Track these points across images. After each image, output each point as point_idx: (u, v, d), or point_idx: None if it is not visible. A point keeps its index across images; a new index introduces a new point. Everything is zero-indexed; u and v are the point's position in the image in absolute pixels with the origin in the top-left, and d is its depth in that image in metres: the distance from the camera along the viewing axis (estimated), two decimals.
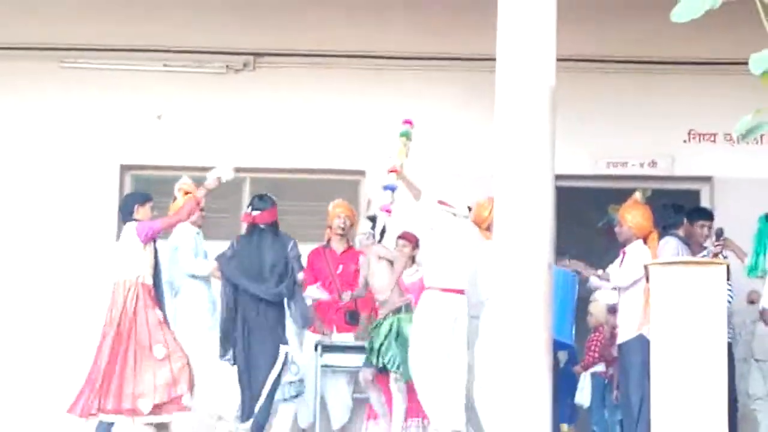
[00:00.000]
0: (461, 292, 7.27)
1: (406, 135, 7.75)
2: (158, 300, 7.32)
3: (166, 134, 9.19)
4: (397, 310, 7.76)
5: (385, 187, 7.79)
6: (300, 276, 7.55)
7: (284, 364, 7.39)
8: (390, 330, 7.62)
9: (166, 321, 7.28)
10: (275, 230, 7.63)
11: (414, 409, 7.78)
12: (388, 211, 7.70)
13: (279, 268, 7.47)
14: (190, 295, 7.87)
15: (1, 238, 9.03)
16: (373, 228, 8.08)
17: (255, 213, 7.60)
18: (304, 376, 7.90)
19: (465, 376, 7.17)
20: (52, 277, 8.89)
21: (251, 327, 7.40)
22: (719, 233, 7.57)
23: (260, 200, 7.72)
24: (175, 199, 7.88)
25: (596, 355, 8.31)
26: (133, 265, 7.27)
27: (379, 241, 8.05)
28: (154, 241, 7.41)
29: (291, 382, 7.75)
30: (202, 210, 7.88)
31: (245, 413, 7.35)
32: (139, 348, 7.13)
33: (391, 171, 7.66)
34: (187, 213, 7.53)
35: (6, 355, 8.80)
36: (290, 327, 7.74)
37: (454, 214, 7.46)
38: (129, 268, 7.27)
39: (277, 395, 7.54)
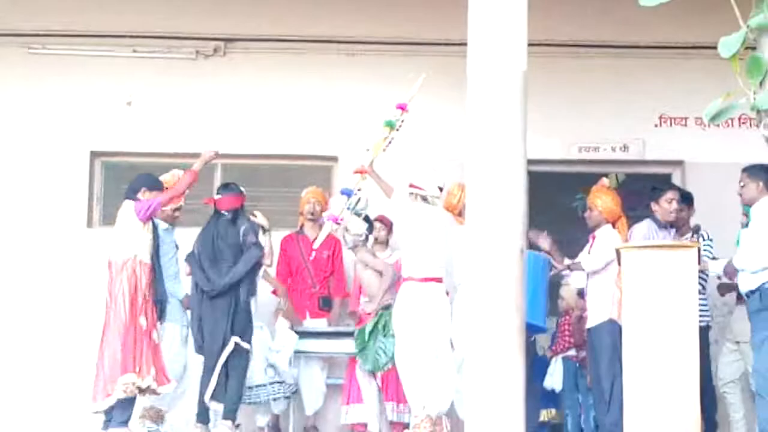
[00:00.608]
0: (439, 280, 7.26)
1: (391, 125, 7.68)
2: (158, 281, 7.26)
3: (136, 121, 9.13)
4: (386, 306, 7.79)
5: (342, 192, 7.73)
6: (251, 259, 7.51)
7: (239, 354, 7.37)
8: (376, 325, 7.71)
9: (156, 304, 7.23)
10: (235, 217, 7.62)
11: (390, 392, 7.82)
12: (335, 220, 7.58)
13: (229, 254, 7.49)
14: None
15: None
16: (368, 230, 8.04)
17: (217, 197, 7.67)
18: (293, 380, 7.88)
19: (452, 362, 7.14)
20: (23, 265, 8.82)
21: (203, 319, 7.43)
22: (696, 229, 7.59)
23: (224, 187, 7.77)
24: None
25: (568, 339, 8.34)
26: (131, 244, 7.18)
27: (366, 238, 8.04)
28: (153, 221, 7.36)
29: (277, 383, 7.76)
30: (179, 209, 7.81)
31: (198, 410, 7.39)
32: (138, 328, 7.07)
33: (357, 172, 7.62)
34: (184, 187, 7.47)
35: None
36: (280, 330, 7.78)
37: (425, 198, 7.42)
38: (127, 247, 7.18)
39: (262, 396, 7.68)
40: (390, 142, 7.73)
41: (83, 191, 9.05)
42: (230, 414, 7.32)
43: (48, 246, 8.85)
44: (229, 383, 7.32)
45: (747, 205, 6.94)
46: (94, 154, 9.17)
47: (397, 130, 7.70)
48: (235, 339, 7.37)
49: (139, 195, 7.36)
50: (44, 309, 8.70)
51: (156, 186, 7.49)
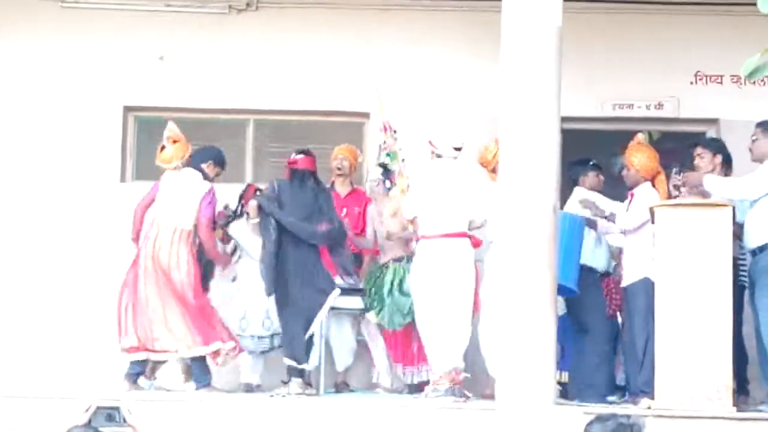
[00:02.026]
0: (461, 235, 7.23)
1: (390, 157, 8.04)
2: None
3: (168, 75, 9.13)
4: (399, 259, 7.80)
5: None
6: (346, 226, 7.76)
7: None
8: (392, 282, 7.77)
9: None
10: (317, 178, 7.77)
11: (397, 354, 7.85)
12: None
13: (324, 213, 7.61)
14: None
15: (5, 179, 8.99)
16: (383, 175, 8.08)
17: (298, 157, 7.71)
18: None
19: (469, 318, 7.16)
20: (57, 219, 8.88)
21: (296, 267, 7.44)
22: (678, 170, 7.45)
23: (301, 151, 7.82)
24: (163, 147, 7.80)
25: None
26: (190, 216, 7.49)
27: (389, 189, 8.07)
28: None
29: (260, 337, 7.80)
30: (190, 157, 7.78)
31: (289, 351, 7.43)
32: (176, 292, 7.34)
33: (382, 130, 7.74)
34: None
35: (12, 299, 8.81)
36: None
37: (439, 155, 7.40)
38: (188, 216, 7.50)
39: (248, 347, 7.72)
40: (403, 160, 7.94)
41: (116, 146, 9.07)
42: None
43: (82, 200, 8.89)
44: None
45: (757, 161, 6.86)
46: (128, 109, 9.19)
47: (397, 150, 7.90)
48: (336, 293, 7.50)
49: (204, 167, 7.65)
50: (78, 263, 8.76)
51: (221, 162, 7.81)
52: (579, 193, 7.72)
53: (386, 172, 8.16)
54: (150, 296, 7.35)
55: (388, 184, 8.14)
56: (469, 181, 7.37)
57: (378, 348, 7.98)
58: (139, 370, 7.47)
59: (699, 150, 7.32)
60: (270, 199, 7.59)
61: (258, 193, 7.86)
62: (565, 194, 7.41)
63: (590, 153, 8.10)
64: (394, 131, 8.13)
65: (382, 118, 7.97)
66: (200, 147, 7.94)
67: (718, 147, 7.40)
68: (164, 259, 7.41)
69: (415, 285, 7.32)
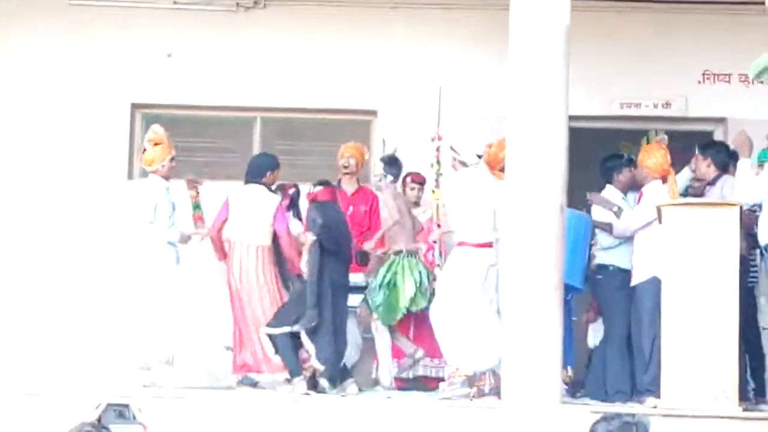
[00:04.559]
0: (491, 245, 7.25)
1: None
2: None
3: (176, 73, 9.14)
4: (398, 252, 7.86)
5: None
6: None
7: None
8: (385, 276, 7.81)
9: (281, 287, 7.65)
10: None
11: (423, 347, 7.90)
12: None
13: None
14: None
15: (13, 177, 9.02)
16: (385, 169, 8.10)
17: (316, 189, 7.69)
18: None
19: (497, 324, 7.15)
20: (65, 216, 8.90)
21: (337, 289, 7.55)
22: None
23: (320, 182, 7.82)
24: (144, 150, 7.85)
25: None
26: (267, 231, 7.61)
27: (393, 181, 8.11)
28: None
29: None
30: (172, 160, 7.81)
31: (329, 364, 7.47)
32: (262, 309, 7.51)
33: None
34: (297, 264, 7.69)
35: (21, 296, 8.83)
36: None
37: (463, 162, 7.43)
38: (263, 233, 7.60)
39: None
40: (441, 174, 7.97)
41: (124, 143, 9.09)
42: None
43: (89, 198, 8.90)
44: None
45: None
46: (135, 106, 9.20)
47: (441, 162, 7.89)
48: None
49: (264, 179, 7.74)
50: (85, 259, 8.78)
51: (276, 165, 7.88)
52: (609, 191, 7.70)
53: (388, 166, 8.17)
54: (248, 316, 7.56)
55: (390, 178, 8.16)
56: (497, 190, 7.38)
57: (383, 343, 7.99)
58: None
59: (696, 154, 7.40)
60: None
61: (294, 190, 7.94)
62: (578, 193, 7.40)
63: (597, 152, 8.08)
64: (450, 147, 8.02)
65: (437, 127, 7.98)
66: (251, 159, 7.99)
67: (712, 152, 7.45)
68: (251, 278, 7.55)
69: (447, 287, 7.30)
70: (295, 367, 7.41)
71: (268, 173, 7.79)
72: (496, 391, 6.79)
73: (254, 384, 7.67)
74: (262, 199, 7.68)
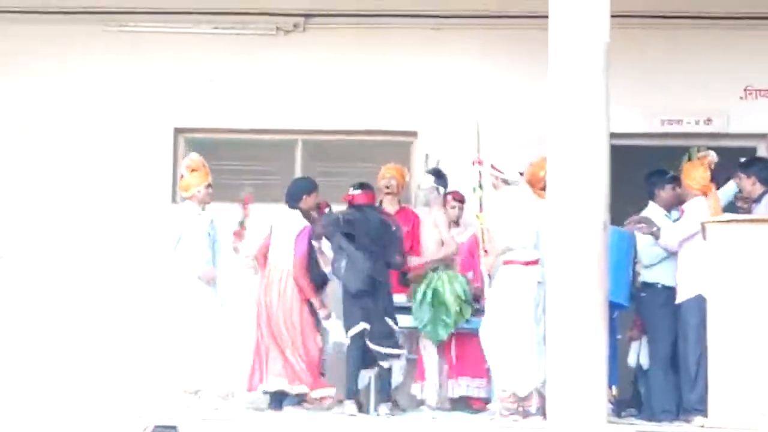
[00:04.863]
0: (537, 262, 7.25)
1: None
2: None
3: (218, 97, 9.22)
4: (435, 269, 7.89)
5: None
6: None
7: None
8: (425, 293, 7.81)
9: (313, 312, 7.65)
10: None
11: (463, 367, 7.86)
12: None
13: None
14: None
15: (57, 203, 9.12)
16: (437, 182, 8.13)
17: (355, 192, 7.79)
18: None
19: (542, 343, 7.12)
20: (109, 240, 8.98)
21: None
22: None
23: (360, 185, 7.91)
24: (182, 176, 7.92)
25: None
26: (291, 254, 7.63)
27: (444, 194, 8.16)
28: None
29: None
30: (209, 186, 7.87)
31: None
32: (289, 330, 7.54)
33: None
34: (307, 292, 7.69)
35: (67, 317, 8.91)
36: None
37: (506, 180, 7.43)
38: (289, 255, 7.61)
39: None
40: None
41: (168, 167, 9.17)
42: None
43: (133, 221, 8.98)
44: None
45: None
46: (178, 131, 9.29)
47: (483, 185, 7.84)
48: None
49: (301, 203, 7.77)
50: (129, 283, 8.85)
51: (312, 188, 7.88)
52: (652, 208, 7.67)
53: (439, 179, 8.19)
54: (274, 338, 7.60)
55: (441, 190, 8.17)
56: (539, 209, 7.38)
57: (431, 362, 7.97)
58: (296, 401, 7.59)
59: (739, 173, 7.35)
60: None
61: (328, 210, 7.95)
62: (621, 211, 7.36)
63: (639, 169, 8.05)
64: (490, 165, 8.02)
65: (478, 152, 8.00)
66: (289, 184, 8.02)
67: (755, 170, 7.42)
68: (277, 301, 7.61)
69: (497, 306, 7.30)
70: (353, 387, 7.46)
71: (304, 196, 7.82)
72: (542, 411, 6.76)
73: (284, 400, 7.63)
74: (292, 224, 7.74)
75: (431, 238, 8.10)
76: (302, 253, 7.66)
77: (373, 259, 7.53)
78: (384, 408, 7.50)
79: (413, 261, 8.08)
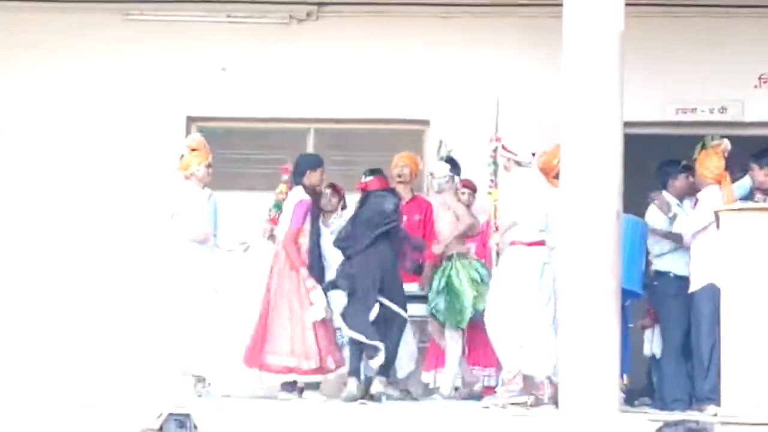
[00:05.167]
0: (543, 243, 7.23)
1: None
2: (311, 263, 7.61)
3: (230, 85, 9.23)
4: (450, 256, 7.84)
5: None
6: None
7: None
8: (440, 281, 7.80)
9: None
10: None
11: (475, 356, 7.86)
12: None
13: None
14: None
15: (70, 192, 9.14)
16: (452, 170, 8.11)
17: (368, 179, 7.76)
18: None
19: (553, 326, 7.10)
20: (121, 230, 9.00)
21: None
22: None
23: (371, 171, 7.86)
24: (182, 156, 7.87)
25: None
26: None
27: (452, 179, 8.14)
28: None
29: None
30: (209, 167, 7.80)
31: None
32: (289, 307, 7.46)
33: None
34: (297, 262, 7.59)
35: (80, 306, 8.94)
36: None
37: (519, 162, 7.42)
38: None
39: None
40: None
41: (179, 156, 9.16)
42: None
43: (147, 210, 8.97)
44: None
45: None
46: (191, 119, 9.30)
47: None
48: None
49: (304, 179, 7.67)
50: (141, 272, 8.85)
51: (317, 163, 7.78)
52: (664, 197, 7.65)
53: (454, 168, 8.17)
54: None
55: (456, 178, 8.16)
56: (549, 193, 7.36)
57: (454, 351, 7.94)
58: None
59: (752, 165, 7.32)
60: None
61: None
62: (634, 199, 7.34)
63: (653, 158, 8.03)
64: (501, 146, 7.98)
65: (496, 131, 7.97)
66: (295, 160, 7.93)
67: (767, 161, 7.36)
68: (283, 280, 7.55)
69: (501, 287, 7.28)
70: (356, 365, 7.45)
71: (308, 171, 7.69)
72: (554, 400, 6.75)
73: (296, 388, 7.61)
74: (292, 197, 7.66)
75: (446, 219, 8.06)
76: (296, 223, 7.55)
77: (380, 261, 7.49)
78: (378, 384, 7.42)
79: (435, 248, 8.02)
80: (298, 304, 7.48)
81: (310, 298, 7.49)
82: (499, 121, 7.87)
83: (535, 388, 7.07)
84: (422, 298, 8.09)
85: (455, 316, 7.83)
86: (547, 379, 7.01)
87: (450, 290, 7.85)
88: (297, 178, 7.73)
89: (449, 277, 7.86)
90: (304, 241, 7.63)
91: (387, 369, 7.53)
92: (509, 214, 7.40)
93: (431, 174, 8.23)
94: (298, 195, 7.66)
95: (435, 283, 7.91)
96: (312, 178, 7.72)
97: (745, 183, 7.46)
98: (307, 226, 7.62)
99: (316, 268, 7.76)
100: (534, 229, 7.25)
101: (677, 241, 7.46)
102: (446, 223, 8.05)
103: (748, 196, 7.40)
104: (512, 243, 7.30)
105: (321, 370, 7.47)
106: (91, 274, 8.95)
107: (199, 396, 7.44)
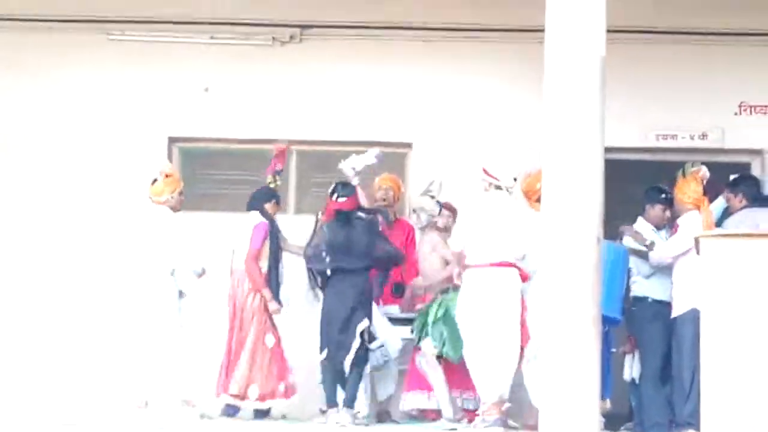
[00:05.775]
0: (509, 265, 7.23)
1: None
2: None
3: (213, 107, 9.22)
4: (445, 290, 7.83)
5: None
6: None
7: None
8: (437, 312, 7.76)
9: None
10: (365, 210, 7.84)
11: (455, 380, 7.85)
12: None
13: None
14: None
15: (51, 210, 9.11)
16: (441, 212, 8.12)
17: (340, 200, 7.68)
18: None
19: (516, 348, 7.12)
20: (103, 250, 8.95)
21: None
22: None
23: (343, 187, 7.80)
24: (155, 180, 7.93)
25: None
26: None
27: (439, 213, 8.15)
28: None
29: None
30: (180, 194, 7.93)
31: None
32: (253, 336, 7.66)
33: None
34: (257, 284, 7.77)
35: (53, 328, 8.89)
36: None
37: (498, 186, 7.42)
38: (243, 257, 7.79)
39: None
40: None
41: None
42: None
43: (127, 230, 8.93)
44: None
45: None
46: (172, 140, 9.29)
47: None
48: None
49: (268, 207, 7.96)
50: (124, 293, 8.81)
51: (274, 198, 8.05)
52: (639, 223, 7.68)
53: (438, 203, 8.18)
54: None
55: (446, 213, 8.16)
56: (519, 213, 7.37)
57: (438, 378, 7.92)
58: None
59: (726, 192, 7.44)
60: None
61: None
62: (614, 225, 7.37)
63: (633, 183, 8.06)
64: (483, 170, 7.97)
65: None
66: (259, 188, 8.11)
67: (743, 188, 7.52)
68: (243, 303, 7.73)
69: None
70: (333, 397, 7.45)
71: (272, 201, 8.01)
72: (534, 426, 6.73)
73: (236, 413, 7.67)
74: (250, 221, 7.88)
75: (434, 262, 8.04)
76: (256, 245, 7.74)
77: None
78: (345, 414, 7.38)
79: (417, 282, 8.06)
80: (260, 329, 7.64)
81: (272, 320, 7.68)
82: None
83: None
84: (403, 321, 8.07)
85: (458, 348, 7.75)
86: (500, 398, 7.00)
87: (447, 320, 7.78)
88: (260, 206, 7.92)
89: (447, 308, 7.80)
90: (263, 264, 7.76)
91: (352, 401, 7.52)
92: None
93: (421, 208, 8.24)
94: (257, 218, 7.83)
95: (432, 316, 7.77)
96: (271, 209, 7.97)
97: (717, 206, 7.52)
98: (266, 249, 7.74)
99: (275, 290, 7.83)
100: (487, 252, 7.24)
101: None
102: (434, 265, 8.04)
103: (722, 219, 7.47)
104: (466, 267, 7.30)
105: (272, 394, 7.64)
106: (70, 294, 8.91)
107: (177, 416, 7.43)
